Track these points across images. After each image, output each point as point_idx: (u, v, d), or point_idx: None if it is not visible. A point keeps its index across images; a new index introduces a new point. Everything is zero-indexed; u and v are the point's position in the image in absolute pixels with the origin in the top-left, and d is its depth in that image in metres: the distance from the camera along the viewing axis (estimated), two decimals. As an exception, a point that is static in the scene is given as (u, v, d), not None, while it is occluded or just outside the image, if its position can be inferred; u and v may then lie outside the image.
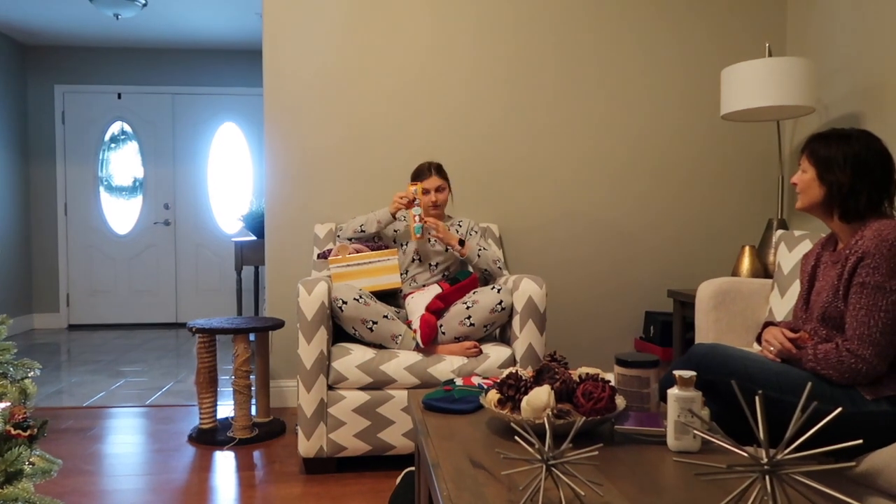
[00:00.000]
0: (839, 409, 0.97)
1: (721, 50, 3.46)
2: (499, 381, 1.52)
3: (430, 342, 2.41)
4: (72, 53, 5.87)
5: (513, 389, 1.46)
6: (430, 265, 2.73)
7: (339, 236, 2.79)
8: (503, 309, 2.45)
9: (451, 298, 2.51)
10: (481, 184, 3.34)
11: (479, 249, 2.67)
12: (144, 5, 4.63)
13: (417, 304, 2.50)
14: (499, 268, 2.70)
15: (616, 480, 1.18)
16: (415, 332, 2.43)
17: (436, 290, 2.52)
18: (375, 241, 2.82)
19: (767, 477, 0.92)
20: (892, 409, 1.53)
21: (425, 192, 2.69)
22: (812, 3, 3.29)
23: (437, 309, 2.46)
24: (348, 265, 2.55)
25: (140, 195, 6.05)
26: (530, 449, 1.11)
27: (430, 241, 2.74)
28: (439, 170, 2.72)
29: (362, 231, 2.73)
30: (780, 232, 2.53)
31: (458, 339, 2.46)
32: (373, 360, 2.35)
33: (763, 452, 0.93)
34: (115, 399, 3.47)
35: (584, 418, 1.27)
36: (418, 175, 2.72)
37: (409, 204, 2.62)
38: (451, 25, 3.29)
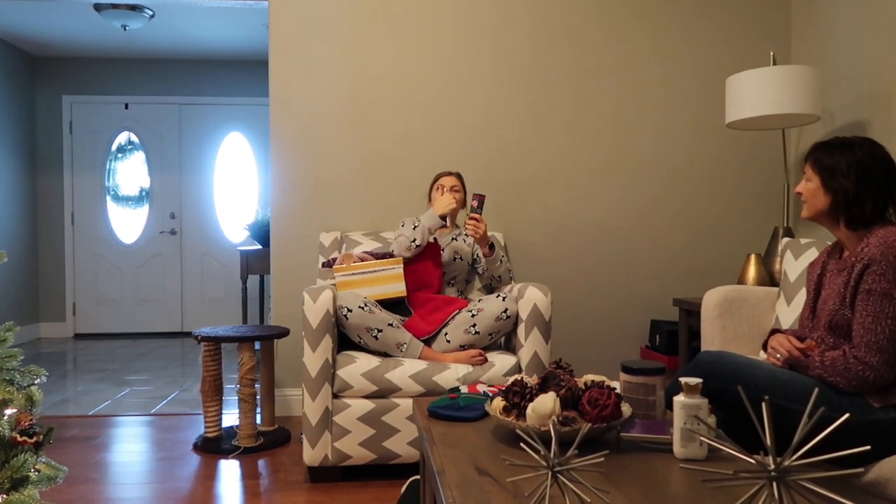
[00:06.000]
0: (846, 416, 0.96)
1: (726, 58, 3.46)
2: (504, 388, 1.51)
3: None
4: (80, 64, 5.92)
5: (518, 397, 1.46)
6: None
7: (392, 252, 2.63)
8: (508, 317, 2.45)
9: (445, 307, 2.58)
10: (487, 193, 3.34)
11: (502, 256, 2.72)
12: (152, 16, 4.68)
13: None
14: (511, 277, 2.77)
15: (622, 487, 1.18)
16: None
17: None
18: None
19: (774, 483, 0.91)
20: (901, 417, 1.52)
21: (440, 187, 2.78)
22: (816, 11, 3.30)
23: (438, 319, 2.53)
24: (353, 274, 2.56)
25: (146, 205, 6.08)
26: (536, 456, 1.10)
27: (457, 238, 2.79)
28: (458, 176, 2.82)
29: (418, 247, 2.58)
30: (785, 240, 2.52)
31: (463, 347, 2.46)
32: (378, 368, 2.35)
33: (770, 459, 0.92)
34: (120, 408, 3.48)
35: (589, 425, 1.27)
36: (438, 177, 2.82)
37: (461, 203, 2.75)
38: (460, 37, 3.31)
